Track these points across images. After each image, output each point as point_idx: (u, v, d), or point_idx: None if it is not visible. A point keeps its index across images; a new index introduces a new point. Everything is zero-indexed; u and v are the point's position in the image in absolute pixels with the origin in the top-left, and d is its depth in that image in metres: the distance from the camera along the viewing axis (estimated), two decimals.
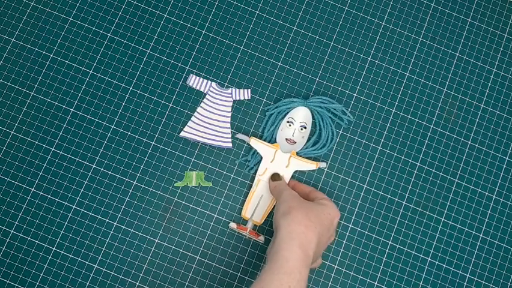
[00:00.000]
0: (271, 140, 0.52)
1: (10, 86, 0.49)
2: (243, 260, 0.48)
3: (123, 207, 0.47)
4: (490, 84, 0.51)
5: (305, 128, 0.52)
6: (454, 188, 0.50)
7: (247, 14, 0.51)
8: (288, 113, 0.52)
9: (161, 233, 0.47)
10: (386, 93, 0.51)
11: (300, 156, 0.52)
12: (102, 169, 0.48)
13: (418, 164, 0.50)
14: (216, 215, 0.48)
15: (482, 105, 0.51)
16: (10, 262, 0.46)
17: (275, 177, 0.49)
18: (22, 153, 0.48)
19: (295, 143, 0.51)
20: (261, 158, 0.52)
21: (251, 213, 0.50)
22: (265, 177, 0.51)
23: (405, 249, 0.48)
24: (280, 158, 0.51)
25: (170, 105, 0.49)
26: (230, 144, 0.49)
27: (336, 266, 0.48)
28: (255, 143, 0.51)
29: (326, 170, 0.50)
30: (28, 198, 0.47)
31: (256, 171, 0.52)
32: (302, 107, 0.51)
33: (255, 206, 0.50)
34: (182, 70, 0.50)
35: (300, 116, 0.52)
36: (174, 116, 0.49)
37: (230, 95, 0.49)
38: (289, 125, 0.52)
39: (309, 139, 0.52)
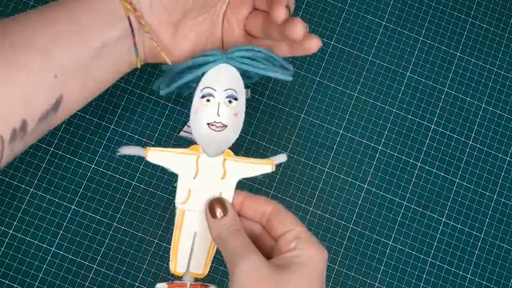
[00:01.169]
0: (184, 141, 0.38)
1: None
2: None
3: (122, 207, 0.47)
4: (491, 84, 0.51)
5: (235, 99, 0.34)
6: (454, 188, 0.49)
7: None
8: (199, 82, 0.34)
9: (160, 234, 0.47)
10: (386, 93, 0.51)
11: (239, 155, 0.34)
12: (101, 169, 0.48)
13: (419, 164, 0.50)
14: None
15: (483, 105, 0.51)
16: (9, 262, 0.46)
17: (216, 207, 0.33)
18: (21, 153, 0.48)
19: (225, 127, 0.34)
20: (176, 175, 0.34)
21: (185, 265, 0.34)
22: (193, 204, 0.33)
23: (406, 249, 0.48)
24: (207, 167, 0.33)
25: (170, 104, 0.49)
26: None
27: (336, 267, 0.48)
28: (157, 155, 0.33)
29: (326, 170, 0.49)
30: (27, 198, 0.47)
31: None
32: (222, 66, 0.33)
33: (189, 252, 0.34)
34: None
35: (222, 79, 0.33)
36: (173, 115, 0.49)
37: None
38: (207, 100, 0.34)
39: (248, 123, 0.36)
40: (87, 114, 0.49)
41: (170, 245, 0.45)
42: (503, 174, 0.50)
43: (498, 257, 0.49)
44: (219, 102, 0.34)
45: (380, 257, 0.48)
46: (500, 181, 0.50)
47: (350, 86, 0.51)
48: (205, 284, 0.35)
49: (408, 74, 0.51)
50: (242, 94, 0.34)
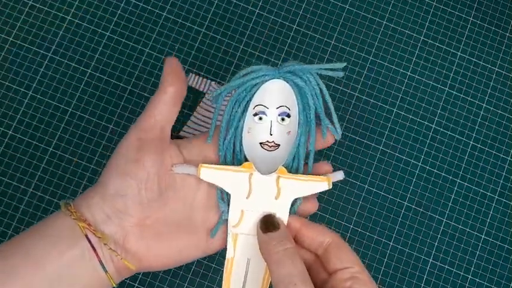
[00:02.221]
0: (237, 158, 0.33)
1: (8, 85, 0.48)
2: None
3: None
4: (491, 83, 0.51)
5: (288, 116, 0.32)
6: (455, 188, 0.49)
7: (247, 12, 0.51)
8: (251, 99, 0.32)
9: None
10: (387, 93, 0.50)
11: (293, 172, 0.32)
12: (100, 169, 0.47)
13: (420, 164, 0.49)
14: None
15: (484, 105, 0.51)
16: None
17: (268, 223, 0.31)
18: (20, 153, 0.47)
19: (279, 146, 0.33)
20: (229, 196, 0.33)
21: None
22: (246, 227, 0.32)
23: (407, 250, 0.48)
24: (260, 185, 0.32)
25: None
26: None
27: None
28: (209, 173, 0.32)
29: None
30: (26, 198, 0.47)
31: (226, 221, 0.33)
32: (275, 81, 0.32)
33: (242, 281, 0.32)
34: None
35: (275, 96, 0.32)
36: None
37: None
38: (260, 119, 0.32)
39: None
40: (86, 114, 0.48)
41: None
42: (504, 174, 0.50)
43: (499, 258, 0.48)
44: (271, 121, 0.32)
45: (380, 257, 0.48)
46: (501, 181, 0.50)
47: (350, 86, 0.51)
48: None
49: (408, 74, 0.51)
50: (294, 110, 0.32)
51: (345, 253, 0.31)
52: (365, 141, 0.50)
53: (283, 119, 0.33)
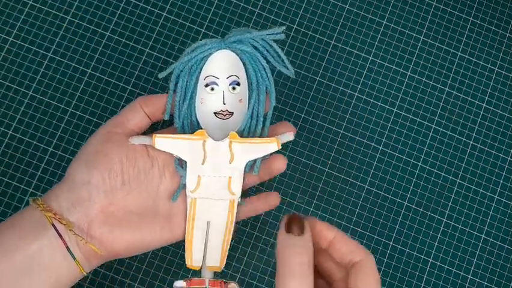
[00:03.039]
0: (190, 127, 0.35)
1: (8, 85, 0.49)
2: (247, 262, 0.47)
3: None
4: (491, 83, 0.51)
5: (238, 84, 0.34)
6: (455, 188, 0.49)
7: (247, 12, 0.51)
8: (201, 71, 0.34)
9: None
10: (387, 93, 0.50)
11: (251, 136, 0.34)
12: None
13: (420, 164, 0.49)
14: None
15: (484, 105, 0.51)
16: None
17: (293, 224, 0.29)
18: (20, 153, 0.47)
19: (232, 114, 0.35)
20: (185, 163, 0.35)
21: (200, 258, 0.35)
22: (203, 191, 0.34)
23: (407, 250, 0.48)
24: (214, 151, 0.33)
25: None
26: None
27: None
28: (164, 142, 0.34)
29: (326, 170, 0.49)
30: (26, 198, 0.47)
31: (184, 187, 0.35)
32: (222, 52, 0.34)
33: (204, 243, 0.35)
34: None
35: (224, 66, 0.34)
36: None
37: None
38: (212, 89, 0.34)
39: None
40: (86, 114, 0.48)
41: (172, 245, 0.45)
42: (504, 174, 0.50)
43: (499, 258, 0.48)
44: (223, 91, 0.34)
45: (380, 257, 0.48)
46: (501, 181, 0.50)
47: (350, 86, 0.50)
48: (224, 280, 0.35)
49: (408, 73, 0.51)
50: (243, 78, 0.34)
51: (372, 278, 0.30)
52: (365, 141, 0.50)
53: (234, 88, 0.35)
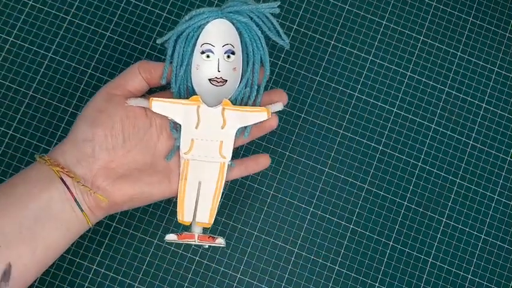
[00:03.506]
0: (186, 92, 0.37)
1: (8, 85, 0.49)
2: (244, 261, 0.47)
3: None
4: (491, 83, 0.51)
5: (233, 53, 0.36)
6: (455, 188, 0.49)
7: None
8: (198, 38, 0.35)
9: (160, 234, 0.47)
10: (387, 93, 0.50)
11: (244, 102, 0.36)
12: None
13: (419, 164, 0.49)
14: None
15: (484, 105, 0.51)
16: None
17: None
18: (20, 153, 0.48)
19: (226, 82, 0.36)
20: (179, 126, 0.37)
21: (191, 214, 0.37)
22: (196, 153, 0.36)
23: (407, 250, 0.48)
24: (208, 117, 0.35)
25: None
26: None
27: (336, 267, 0.48)
28: (160, 105, 0.36)
29: (326, 170, 0.49)
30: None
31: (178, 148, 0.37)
32: (218, 21, 0.35)
33: (195, 201, 0.37)
34: None
35: (220, 35, 0.35)
36: None
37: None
38: (207, 56, 0.36)
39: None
40: None
41: (172, 246, 0.45)
42: (503, 174, 0.50)
43: (499, 258, 0.48)
44: (218, 58, 0.36)
45: (380, 257, 0.48)
46: (500, 181, 0.50)
47: (350, 86, 0.51)
48: (212, 235, 0.38)
49: (408, 74, 0.51)
50: (238, 48, 0.35)
51: None
52: (365, 141, 0.50)
53: (228, 56, 0.36)
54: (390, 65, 0.51)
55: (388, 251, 0.48)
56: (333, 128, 0.50)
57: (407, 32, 0.52)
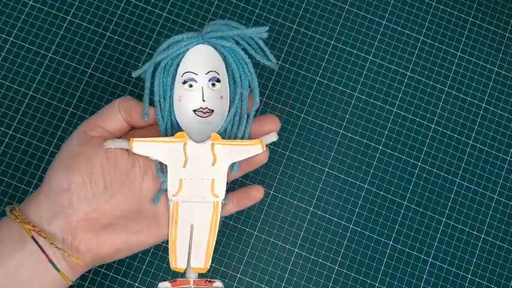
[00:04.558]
0: (170, 128, 0.33)
1: (8, 85, 0.49)
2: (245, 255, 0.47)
3: None
4: (491, 83, 0.51)
5: (218, 81, 0.32)
6: (455, 188, 0.49)
7: (247, 12, 0.51)
8: (177, 66, 0.32)
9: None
10: (387, 93, 0.50)
11: (232, 137, 0.33)
12: None
13: (419, 164, 0.49)
14: None
15: (484, 105, 0.51)
16: None
17: None
18: (20, 154, 0.47)
19: (212, 112, 0.33)
20: (166, 167, 0.33)
21: (185, 260, 0.34)
22: (186, 194, 0.33)
23: (407, 249, 0.48)
24: (196, 153, 0.32)
25: None
26: None
27: (336, 267, 0.48)
28: (142, 145, 0.32)
29: (326, 170, 0.49)
30: (25, 198, 0.47)
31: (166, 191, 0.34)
32: (200, 46, 0.32)
33: (188, 246, 0.34)
34: None
35: (202, 62, 0.32)
36: None
37: None
38: (190, 86, 0.32)
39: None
40: (86, 114, 0.48)
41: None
42: (503, 174, 0.50)
43: (498, 257, 0.48)
44: (202, 87, 0.32)
45: (380, 257, 0.48)
46: (500, 181, 0.50)
47: (350, 86, 0.51)
48: (209, 279, 0.35)
49: (408, 73, 0.51)
50: (223, 74, 0.32)
51: None
52: (365, 141, 0.50)
53: (213, 84, 0.32)
54: (390, 65, 0.51)
55: (388, 251, 0.48)
56: (333, 128, 0.50)
57: (407, 32, 0.52)
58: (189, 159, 0.32)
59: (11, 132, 0.48)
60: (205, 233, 0.33)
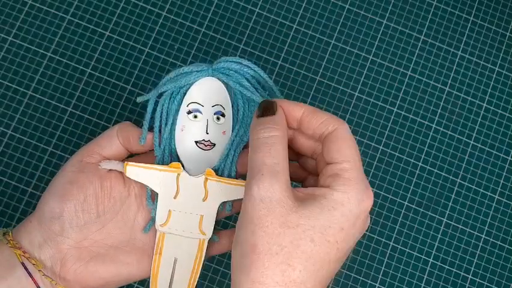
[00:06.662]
0: (169, 156, 0.33)
1: (7, 85, 0.48)
2: None
3: None
4: (491, 83, 0.51)
5: (223, 115, 0.32)
6: (456, 188, 0.49)
7: (247, 12, 0.51)
8: (184, 95, 0.32)
9: None
10: (387, 93, 0.50)
11: (226, 174, 0.32)
12: None
13: (420, 164, 0.49)
14: None
15: (484, 105, 0.51)
16: None
17: (265, 108, 0.29)
18: (19, 153, 0.47)
19: (214, 146, 0.32)
20: (157, 195, 0.32)
21: None
22: (173, 226, 0.32)
23: (407, 250, 0.48)
24: (188, 186, 0.31)
25: None
26: None
27: None
28: (136, 171, 0.32)
29: None
30: (26, 198, 0.47)
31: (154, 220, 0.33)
32: (209, 79, 0.32)
33: (169, 281, 0.32)
34: None
35: (209, 94, 0.32)
36: None
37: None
38: (195, 116, 0.32)
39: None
40: (85, 113, 0.48)
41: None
42: (504, 174, 0.50)
43: (499, 258, 0.48)
44: (207, 119, 0.32)
45: (380, 257, 0.48)
46: (501, 181, 0.50)
47: (350, 85, 0.50)
48: None
49: (408, 73, 0.51)
50: (229, 110, 0.32)
51: (341, 145, 0.28)
52: (365, 141, 0.50)
53: (218, 118, 0.32)
54: (390, 65, 0.51)
55: (388, 251, 0.48)
56: None
57: (407, 32, 0.52)
58: (181, 191, 0.32)
59: (10, 131, 0.48)
60: (188, 270, 0.33)
